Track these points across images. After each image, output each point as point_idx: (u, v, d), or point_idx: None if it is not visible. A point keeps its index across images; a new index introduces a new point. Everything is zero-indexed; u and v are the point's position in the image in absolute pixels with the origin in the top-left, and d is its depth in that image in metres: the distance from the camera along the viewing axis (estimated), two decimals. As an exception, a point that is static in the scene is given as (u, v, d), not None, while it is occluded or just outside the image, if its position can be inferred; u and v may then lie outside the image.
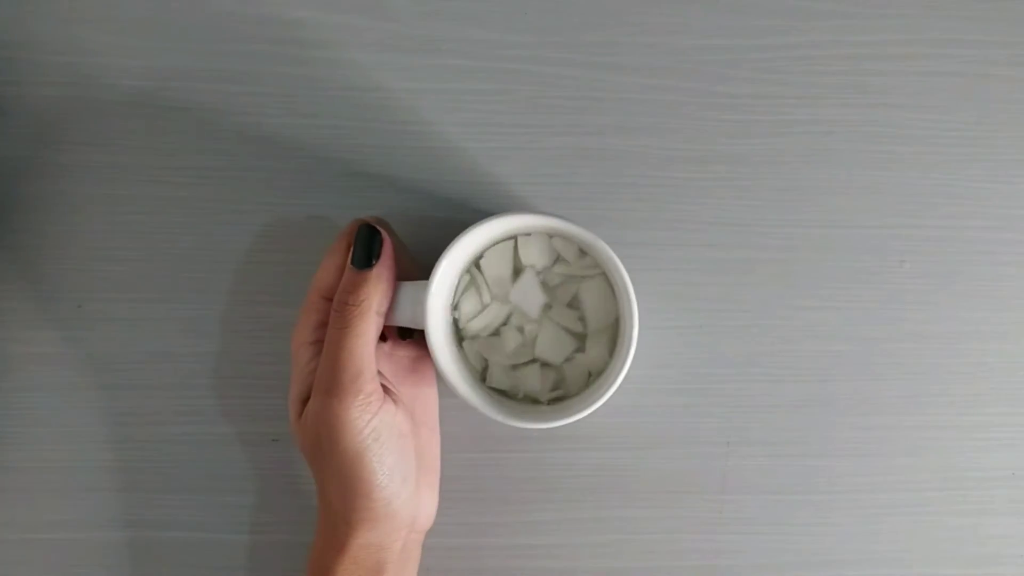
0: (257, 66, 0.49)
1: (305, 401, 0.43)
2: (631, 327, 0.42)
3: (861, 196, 0.50)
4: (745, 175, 0.49)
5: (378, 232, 0.43)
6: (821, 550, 0.49)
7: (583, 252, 0.46)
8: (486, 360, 0.46)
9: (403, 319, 0.44)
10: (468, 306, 0.46)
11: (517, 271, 0.46)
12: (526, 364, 0.46)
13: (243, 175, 0.49)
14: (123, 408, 0.49)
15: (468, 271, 0.46)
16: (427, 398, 0.47)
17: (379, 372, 0.42)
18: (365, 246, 0.43)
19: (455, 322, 0.46)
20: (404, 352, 0.46)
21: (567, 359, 0.46)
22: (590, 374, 0.46)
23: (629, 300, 0.42)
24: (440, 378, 0.44)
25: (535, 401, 0.46)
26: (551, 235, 0.46)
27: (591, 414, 0.43)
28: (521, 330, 0.46)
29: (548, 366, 0.46)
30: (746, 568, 0.49)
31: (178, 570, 0.49)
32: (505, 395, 0.46)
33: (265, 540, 0.49)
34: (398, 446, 0.41)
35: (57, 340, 0.49)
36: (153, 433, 0.49)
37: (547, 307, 0.46)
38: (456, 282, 0.46)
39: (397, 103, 0.49)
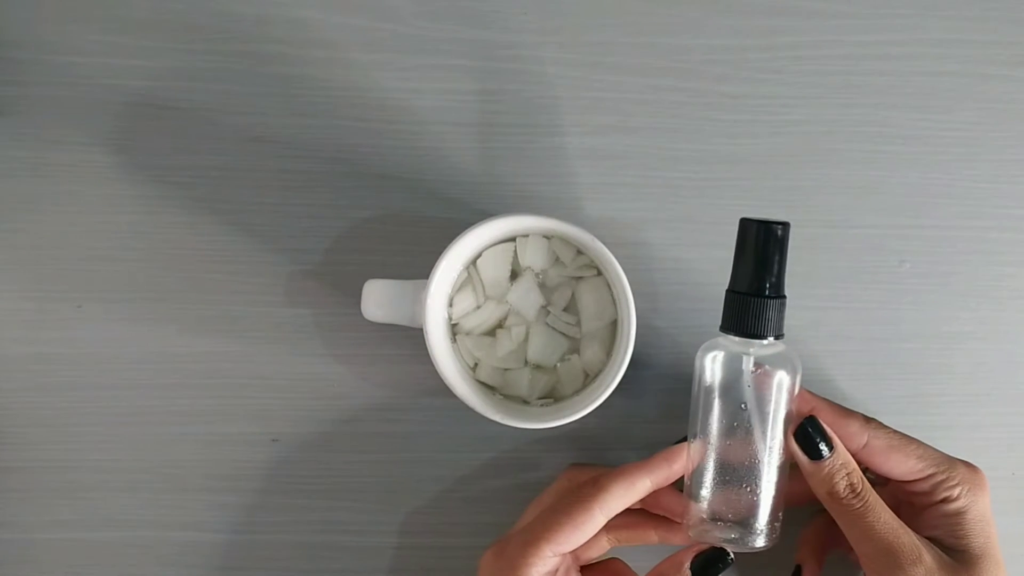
0: (257, 66, 0.49)
1: None
2: (628, 327, 0.42)
3: (861, 196, 0.50)
4: (745, 175, 0.49)
5: None
6: (821, 550, 0.49)
7: (580, 252, 0.46)
8: (477, 358, 0.46)
9: (402, 318, 0.44)
10: (462, 303, 0.46)
11: (515, 273, 0.46)
12: (516, 369, 0.46)
13: (243, 175, 0.49)
14: (123, 408, 0.49)
15: (465, 269, 0.46)
16: None
17: None
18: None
19: (448, 317, 0.46)
20: None
21: (561, 359, 0.46)
22: (587, 375, 0.46)
23: (627, 301, 0.42)
24: (441, 380, 0.44)
25: (524, 401, 0.46)
26: (549, 236, 0.46)
27: (589, 414, 0.43)
28: (515, 335, 0.46)
29: (541, 368, 0.46)
30: (747, 568, 0.49)
31: (178, 570, 0.49)
32: (493, 390, 0.46)
33: (265, 540, 0.49)
34: None
35: (57, 340, 0.49)
36: (153, 433, 0.49)
37: (544, 309, 0.46)
38: (454, 278, 0.46)
39: (397, 103, 0.49)
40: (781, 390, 0.41)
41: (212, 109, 0.49)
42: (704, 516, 0.42)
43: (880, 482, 0.45)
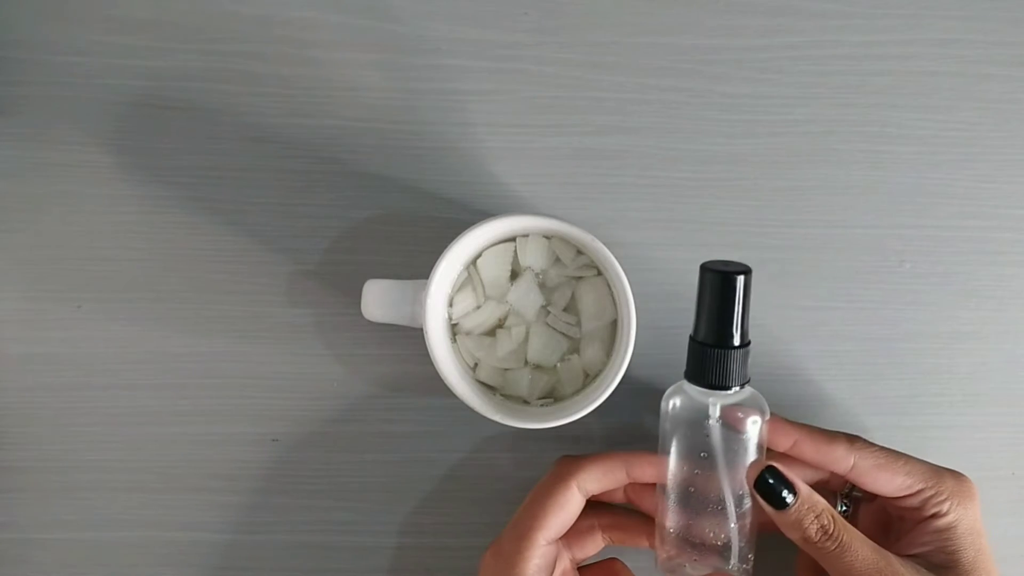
0: (257, 66, 0.49)
1: None
2: (628, 327, 0.42)
3: (861, 196, 0.50)
4: (745, 175, 0.49)
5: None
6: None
7: (580, 252, 0.46)
8: (477, 358, 0.46)
9: (402, 318, 0.44)
10: (462, 303, 0.46)
11: (515, 273, 0.46)
12: (516, 369, 0.46)
13: (243, 175, 0.49)
14: (123, 408, 0.49)
15: (465, 269, 0.46)
16: None
17: None
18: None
19: (448, 318, 0.46)
20: None
21: (562, 359, 0.46)
22: (587, 374, 0.46)
23: (627, 300, 0.42)
24: (441, 380, 0.44)
25: (524, 401, 0.46)
26: (549, 236, 0.46)
27: (589, 414, 0.43)
28: (515, 335, 0.46)
29: (541, 368, 0.46)
30: (746, 568, 0.49)
31: (178, 570, 0.49)
32: (493, 390, 0.46)
33: (265, 540, 0.49)
34: None
35: (57, 340, 0.49)
36: (153, 433, 0.49)
37: (544, 309, 0.46)
38: (453, 278, 0.46)
39: (397, 103, 0.49)
40: (748, 436, 0.41)
41: (212, 109, 0.49)
42: (674, 554, 0.42)
43: (869, 498, 0.45)
